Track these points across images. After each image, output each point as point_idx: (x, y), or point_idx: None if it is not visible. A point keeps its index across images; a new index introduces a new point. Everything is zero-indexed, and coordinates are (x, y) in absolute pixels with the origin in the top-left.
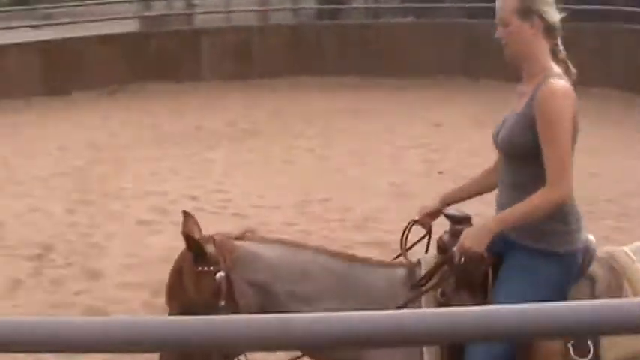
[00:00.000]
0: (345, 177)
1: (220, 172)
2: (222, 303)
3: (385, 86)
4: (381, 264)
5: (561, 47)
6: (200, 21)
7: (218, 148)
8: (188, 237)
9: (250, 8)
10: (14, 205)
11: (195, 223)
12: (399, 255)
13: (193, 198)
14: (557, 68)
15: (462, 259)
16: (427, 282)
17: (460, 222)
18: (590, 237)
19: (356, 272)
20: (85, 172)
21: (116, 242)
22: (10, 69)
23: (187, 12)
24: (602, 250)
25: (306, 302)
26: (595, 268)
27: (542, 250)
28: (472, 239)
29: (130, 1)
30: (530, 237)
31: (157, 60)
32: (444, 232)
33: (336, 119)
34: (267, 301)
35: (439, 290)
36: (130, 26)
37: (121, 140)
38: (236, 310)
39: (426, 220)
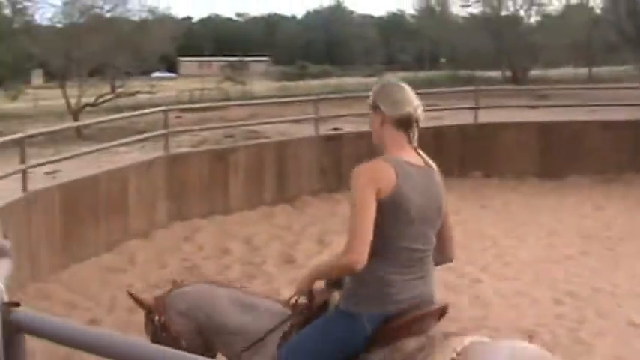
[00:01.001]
0: None
1: None
2: (164, 334)
3: None
4: (271, 299)
5: (414, 137)
6: None
7: None
8: (130, 295)
9: None
10: (501, 286)
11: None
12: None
13: None
14: (400, 154)
15: (297, 298)
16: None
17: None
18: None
19: (254, 302)
20: (575, 261)
21: (604, 342)
22: (507, 146)
23: None
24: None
25: (218, 325)
26: (412, 343)
27: (341, 307)
28: (299, 282)
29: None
30: (343, 294)
31: None
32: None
33: None
34: (198, 325)
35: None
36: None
37: (613, 232)
38: (177, 339)
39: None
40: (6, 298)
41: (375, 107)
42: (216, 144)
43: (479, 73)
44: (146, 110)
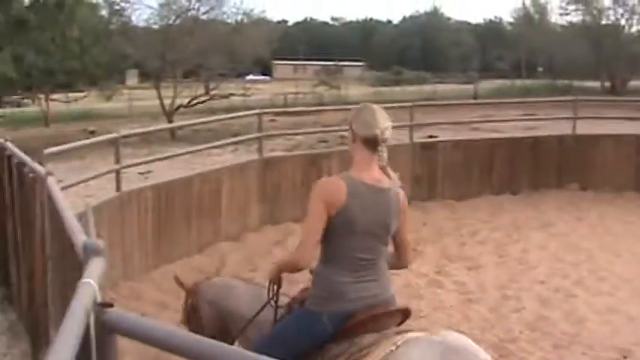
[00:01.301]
0: None
1: None
2: (193, 315)
3: None
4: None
5: (383, 156)
6: None
7: None
8: (175, 279)
9: None
10: (595, 301)
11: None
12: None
13: None
14: (362, 171)
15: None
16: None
17: None
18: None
19: (262, 293)
20: None
21: None
22: (605, 159)
23: None
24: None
25: (231, 312)
26: (367, 339)
27: (305, 306)
28: (269, 273)
29: None
30: (308, 295)
31: None
32: None
33: None
34: (218, 311)
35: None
36: None
37: None
38: (200, 321)
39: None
40: (99, 299)
41: (350, 126)
42: (309, 148)
43: (577, 82)
44: (240, 113)
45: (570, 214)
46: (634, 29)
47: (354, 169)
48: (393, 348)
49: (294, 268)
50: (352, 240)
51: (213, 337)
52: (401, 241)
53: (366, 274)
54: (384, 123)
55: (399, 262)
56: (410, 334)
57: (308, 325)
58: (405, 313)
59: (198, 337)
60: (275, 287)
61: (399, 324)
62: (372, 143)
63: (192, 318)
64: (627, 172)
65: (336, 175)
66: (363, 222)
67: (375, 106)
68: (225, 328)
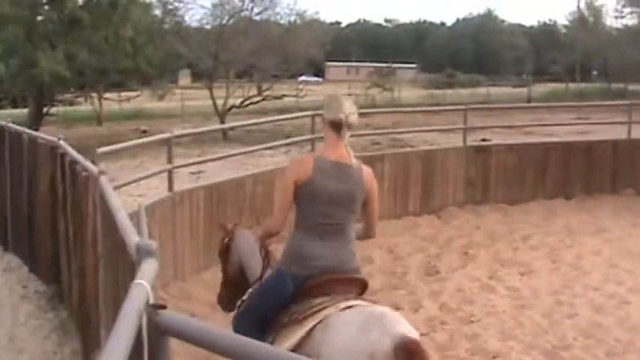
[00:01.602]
0: None
1: None
2: (224, 255)
3: None
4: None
5: (346, 137)
6: None
7: None
8: (220, 224)
9: None
10: None
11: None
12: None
13: None
14: (328, 150)
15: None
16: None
17: None
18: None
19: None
20: None
21: None
22: None
23: None
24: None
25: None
26: (319, 300)
27: (275, 267)
28: (257, 238)
29: None
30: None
31: None
32: None
33: None
34: (239, 264)
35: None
36: None
37: None
38: (227, 264)
39: None
40: (152, 300)
41: (323, 112)
42: (362, 150)
43: (632, 86)
44: (294, 114)
45: (626, 220)
46: None
47: (323, 149)
48: (336, 310)
49: (270, 234)
50: (318, 208)
51: (233, 284)
52: (369, 213)
53: (331, 240)
54: (349, 109)
55: (366, 232)
56: (354, 302)
57: (274, 284)
58: (363, 286)
59: (248, 340)
60: (264, 251)
61: (359, 295)
62: (337, 126)
63: (223, 256)
64: None
65: (307, 155)
66: (327, 192)
67: (342, 96)
68: (242, 279)
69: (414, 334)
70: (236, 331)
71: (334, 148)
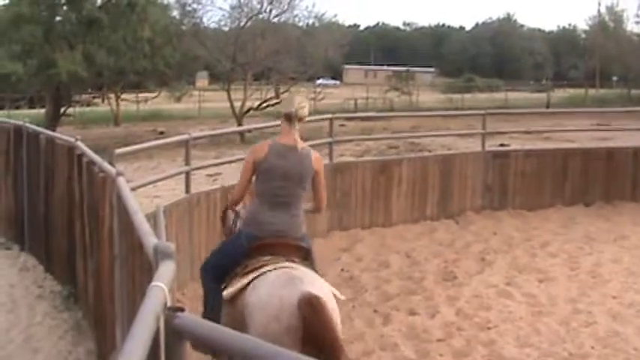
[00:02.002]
0: None
1: None
2: (222, 224)
3: None
4: None
5: (296, 127)
6: None
7: None
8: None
9: None
10: None
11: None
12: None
13: None
14: (282, 137)
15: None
16: None
17: None
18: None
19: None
20: None
21: None
22: None
23: None
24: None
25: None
26: (263, 258)
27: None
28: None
29: None
30: None
31: None
32: None
33: None
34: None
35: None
36: None
37: None
38: (224, 229)
39: None
40: (169, 303)
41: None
42: (379, 154)
43: None
44: (311, 117)
45: None
46: None
47: (279, 136)
48: (271, 269)
49: (235, 202)
50: (272, 182)
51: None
52: (316, 189)
53: (280, 209)
54: (299, 104)
55: (314, 206)
56: (290, 264)
57: (233, 241)
58: (306, 252)
59: (265, 343)
60: (233, 217)
61: (303, 259)
62: (289, 118)
63: (222, 219)
64: None
65: (265, 140)
66: (279, 169)
67: (296, 94)
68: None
69: (321, 292)
70: (202, 278)
71: (287, 135)
